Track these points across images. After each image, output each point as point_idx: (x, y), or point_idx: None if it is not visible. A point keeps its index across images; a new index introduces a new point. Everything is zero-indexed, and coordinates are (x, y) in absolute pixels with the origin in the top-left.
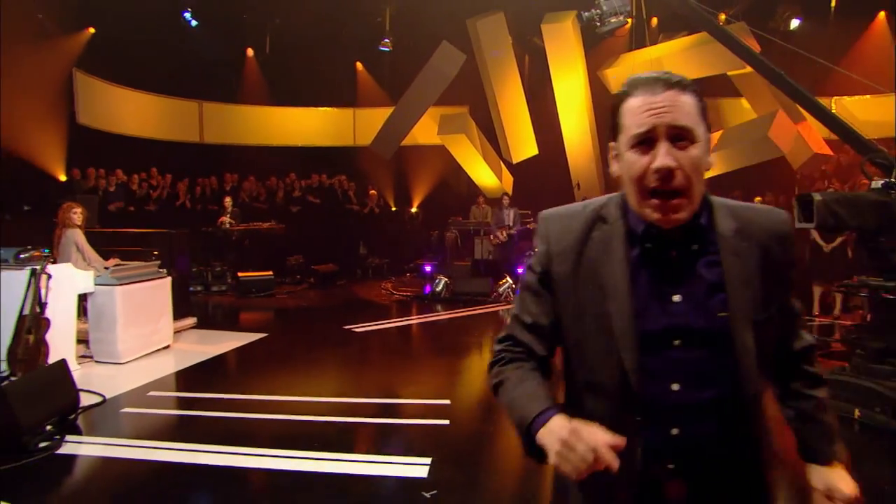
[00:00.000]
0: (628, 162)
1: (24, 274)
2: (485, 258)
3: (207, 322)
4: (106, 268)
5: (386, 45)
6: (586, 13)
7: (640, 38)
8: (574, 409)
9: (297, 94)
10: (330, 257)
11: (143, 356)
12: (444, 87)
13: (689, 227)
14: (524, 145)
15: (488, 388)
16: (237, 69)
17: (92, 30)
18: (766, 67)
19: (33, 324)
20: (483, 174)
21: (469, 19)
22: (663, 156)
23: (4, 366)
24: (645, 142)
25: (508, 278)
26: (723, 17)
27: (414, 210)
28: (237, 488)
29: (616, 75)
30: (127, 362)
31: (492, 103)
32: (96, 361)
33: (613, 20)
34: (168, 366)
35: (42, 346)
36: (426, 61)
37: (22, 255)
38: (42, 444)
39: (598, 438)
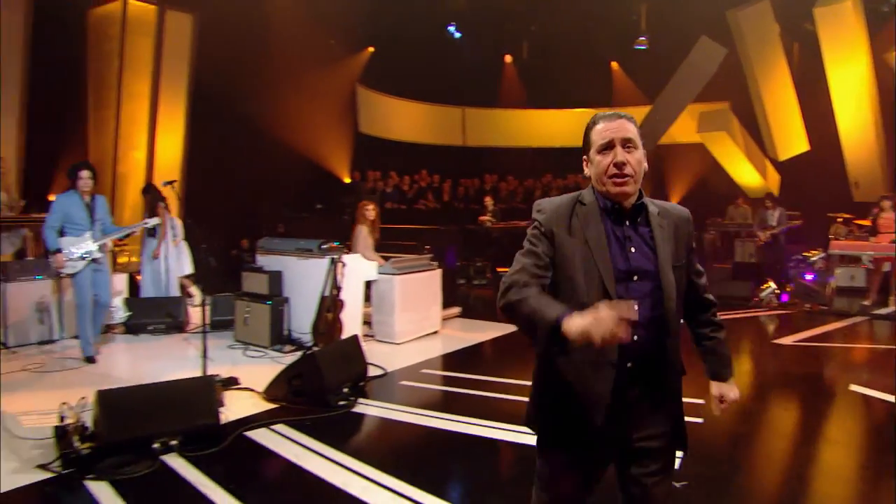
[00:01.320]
0: (596, 162)
1: (325, 262)
2: (746, 261)
3: (470, 312)
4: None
5: (642, 44)
6: None
7: None
8: None
9: (554, 96)
10: None
11: (415, 338)
12: (703, 84)
13: (635, 208)
14: (793, 141)
15: (504, 305)
16: (496, 75)
17: (371, 49)
18: None
19: (332, 304)
20: (746, 173)
21: (730, 11)
22: (620, 154)
23: (309, 337)
24: (607, 148)
25: (772, 283)
26: None
27: None
28: (490, 456)
29: None
30: (402, 343)
31: (756, 98)
32: (377, 340)
33: None
34: (437, 348)
35: (338, 324)
36: (684, 58)
37: (323, 246)
38: (341, 403)
39: (613, 313)
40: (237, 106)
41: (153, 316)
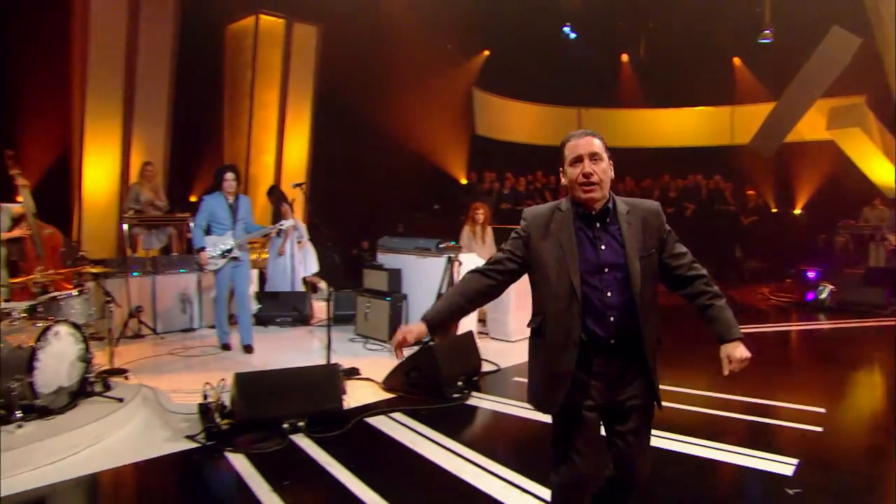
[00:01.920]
0: (569, 172)
1: (442, 261)
2: (881, 266)
3: None
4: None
5: (766, 37)
6: None
7: None
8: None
9: (672, 94)
10: (704, 259)
11: (528, 337)
12: (834, 77)
13: (604, 211)
14: None
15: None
16: (613, 74)
17: (487, 52)
18: None
19: None
20: (882, 171)
21: None
22: (587, 165)
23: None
24: (577, 161)
25: None
26: None
27: (797, 212)
28: None
29: None
30: (516, 341)
31: None
32: (491, 338)
33: None
34: None
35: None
36: (812, 51)
37: (441, 246)
38: (455, 395)
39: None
40: (359, 111)
41: (281, 309)
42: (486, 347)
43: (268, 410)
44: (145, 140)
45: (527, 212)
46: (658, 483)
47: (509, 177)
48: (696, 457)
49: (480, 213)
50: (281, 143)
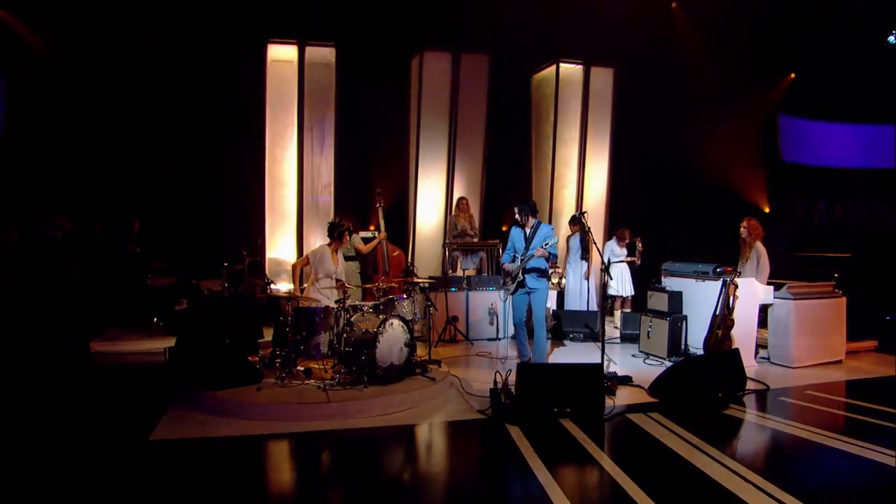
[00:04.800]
0: None
1: (718, 284)
2: None
3: (891, 348)
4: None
5: None
6: None
7: None
8: None
9: None
10: None
11: (812, 365)
12: None
13: None
14: None
15: None
16: None
17: (793, 75)
18: None
19: (723, 322)
20: None
21: None
22: None
23: (702, 352)
24: None
25: None
26: None
27: None
28: (858, 474)
29: None
30: (798, 367)
31: None
32: (771, 363)
33: None
34: (833, 375)
35: (727, 340)
36: None
37: (718, 270)
38: (714, 404)
39: None
40: (655, 143)
41: (574, 326)
42: (764, 371)
43: (541, 395)
44: (464, 179)
45: None
46: None
47: (821, 204)
48: None
49: (743, 228)
50: (581, 178)
